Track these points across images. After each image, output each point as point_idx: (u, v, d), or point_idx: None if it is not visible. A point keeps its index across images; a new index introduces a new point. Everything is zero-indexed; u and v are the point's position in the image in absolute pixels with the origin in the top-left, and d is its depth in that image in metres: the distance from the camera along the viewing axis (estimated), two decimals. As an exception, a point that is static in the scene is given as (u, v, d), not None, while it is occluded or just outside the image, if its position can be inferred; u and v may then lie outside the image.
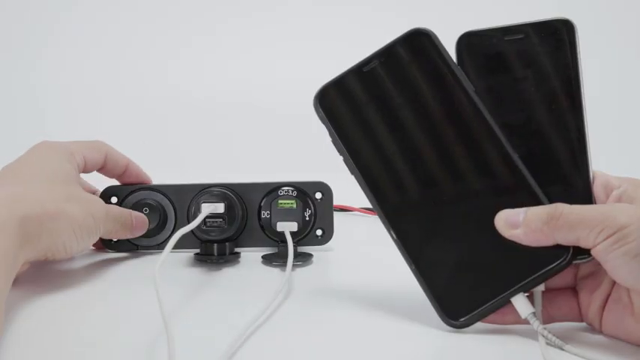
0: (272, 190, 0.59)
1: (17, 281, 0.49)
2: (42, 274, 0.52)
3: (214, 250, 0.55)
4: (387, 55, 0.41)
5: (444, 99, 0.40)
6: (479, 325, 0.39)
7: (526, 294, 0.39)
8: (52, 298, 0.47)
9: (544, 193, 0.39)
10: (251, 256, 0.58)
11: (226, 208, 0.54)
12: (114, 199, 0.59)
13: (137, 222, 0.56)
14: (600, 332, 0.39)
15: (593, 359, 0.35)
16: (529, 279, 0.38)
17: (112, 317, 0.44)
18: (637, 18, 1.59)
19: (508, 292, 0.39)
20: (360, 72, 0.41)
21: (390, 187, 0.41)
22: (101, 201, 0.53)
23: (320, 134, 0.42)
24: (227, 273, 0.53)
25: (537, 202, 0.39)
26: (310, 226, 0.59)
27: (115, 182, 0.60)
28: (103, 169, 0.58)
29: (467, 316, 0.39)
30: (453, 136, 0.40)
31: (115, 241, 0.59)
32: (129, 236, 0.56)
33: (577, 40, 0.40)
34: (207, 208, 0.53)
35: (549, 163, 0.40)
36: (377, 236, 0.46)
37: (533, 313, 0.38)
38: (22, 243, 0.42)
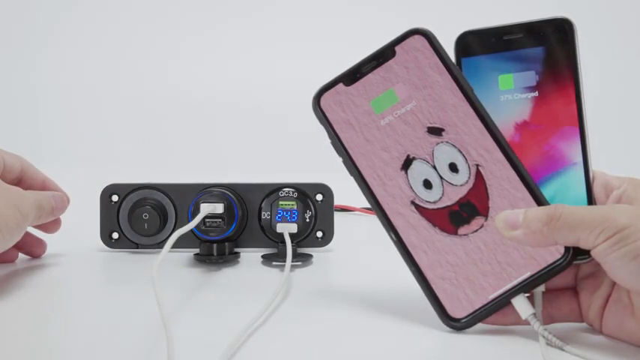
0: (273, 191, 0.59)
1: (12, 284, 0.49)
2: (39, 274, 0.52)
3: (214, 250, 0.55)
4: (385, 55, 0.41)
5: (442, 99, 0.40)
6: (479, 325, 0.39)
7: (526, 295, 0.39)
8: (50, 298, 0.47)
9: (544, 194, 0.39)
10: (251, 256, 0.58)
11: (225, 208, 0.54)
12: (115, 198, 0.59)
13: (57, 203, 0.53)
14: (600, 333, 0.39)
15: (594, 360, 0.35)
16: (529, 280, 0.38)
17: (111, 317, 0.44)
18: (637, 18, 1.59)
19: (508, 292, 0.39)
20: (359, 72, 0.41)
21: (389, 188, 0.41)
22: (25, 192, 0.49)
23: (320, 134, 0.42)
24: (226, 273, 0.53)
25: (537, 203, 0.39)
26: (310, 227, 0.59)
27: (114, 180, 0.60)
28: (21, 183, 0.54)
29: (467, 318, 0.39)
30: (451, 135, 0.40)
31: (115, 240, 0.59)
32: (51, 219, 0.53)
33: (576, 39, 0.40)
34: (206, 208, 0.53)
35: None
36: (377, 236, 0.46)
37: (534, 314, 0.38)
38: None
